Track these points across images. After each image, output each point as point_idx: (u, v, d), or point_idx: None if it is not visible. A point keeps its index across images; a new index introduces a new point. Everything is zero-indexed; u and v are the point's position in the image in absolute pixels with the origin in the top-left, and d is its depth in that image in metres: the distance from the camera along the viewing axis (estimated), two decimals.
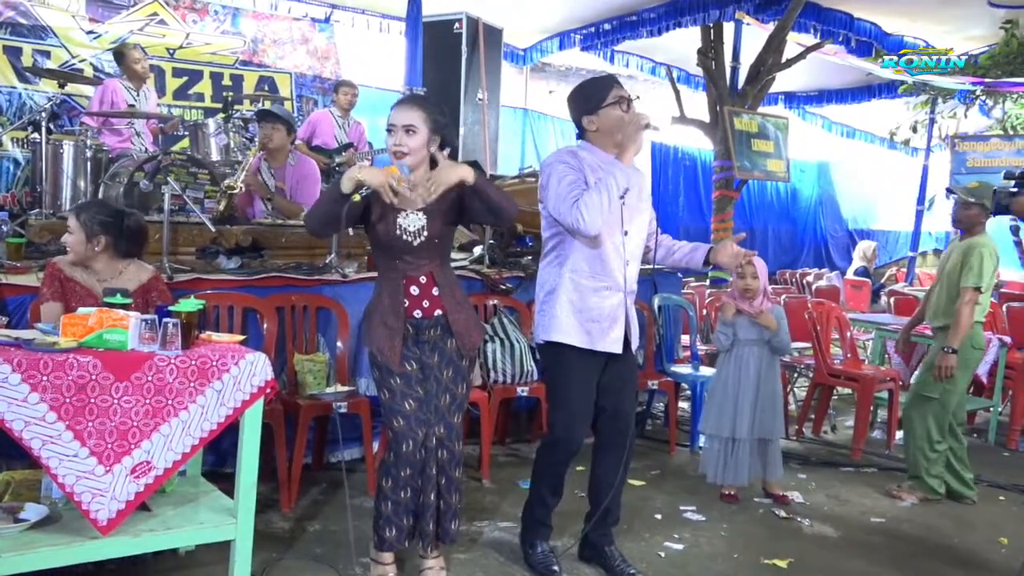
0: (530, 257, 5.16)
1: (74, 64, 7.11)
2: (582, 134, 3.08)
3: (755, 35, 8.74)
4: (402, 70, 7.47)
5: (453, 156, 2.96)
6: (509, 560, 3.26)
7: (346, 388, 3.91)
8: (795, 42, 8.90)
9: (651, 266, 3.30)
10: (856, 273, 9.94)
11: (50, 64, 6.88)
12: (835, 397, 5.83)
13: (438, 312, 2.94)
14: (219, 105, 6.03)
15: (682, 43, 9.19)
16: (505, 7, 8.06)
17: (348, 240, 4.52)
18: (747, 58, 8.85)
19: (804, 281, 10.27)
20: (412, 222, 2.89)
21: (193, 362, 2.59)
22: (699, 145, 12.39)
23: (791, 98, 12.24)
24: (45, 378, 2.39)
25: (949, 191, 4.53)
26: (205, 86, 7.85)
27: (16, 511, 2.55)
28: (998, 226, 4.47)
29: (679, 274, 5.82)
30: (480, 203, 2.83)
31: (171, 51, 7.73)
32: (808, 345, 5.62)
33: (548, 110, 11.50)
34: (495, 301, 4.62)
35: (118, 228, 3.13)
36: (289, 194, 5.01)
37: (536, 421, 4.81)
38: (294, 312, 3.98)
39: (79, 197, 4.64)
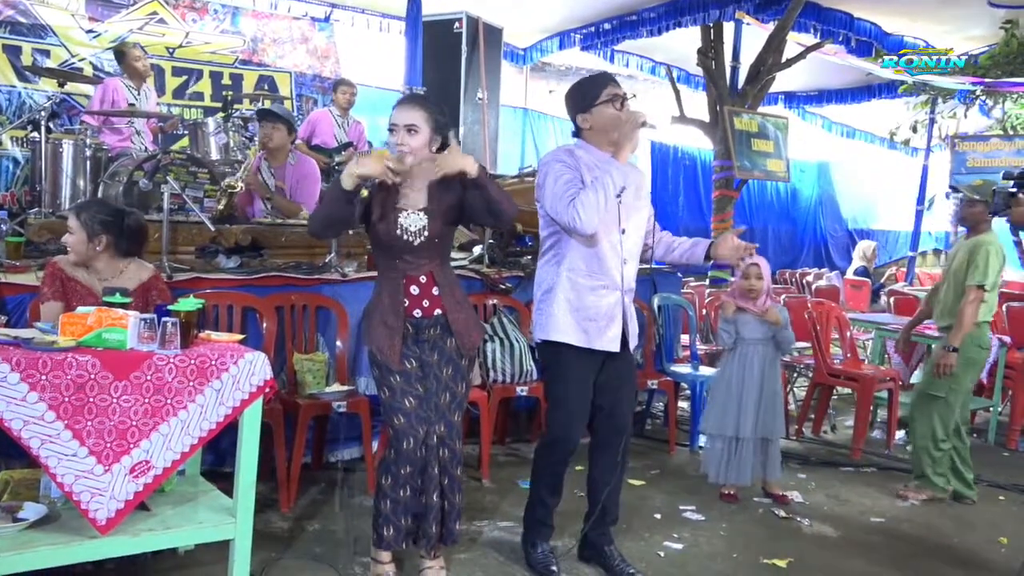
0: (530, 257, 5.16)
1: (74, 63, 7.10)
2: (578, 132, 3.08)
3: (755, 35, 8.74)
4: (402, 69, 7.47)
5: None
6: (509, 560, 3.26)
7: (345, 387, 3.91)
8: (795, 42, 8.90)
9: (650, 265, 3.30)
10: (856, 273, 9.93)
11: (50, 63, 6.88)
12: (835, 397, 5.83)
13: (438, 311, 2.94)
14: (219, 104, 6.02)
15: (682, 43, 9.18)
16: (505, 7, 8.05)
17: (348, 239, 4.52)
18: (747, 58, 8.85)
19: (804, 281, 10.27)
20: (413, 222, 2.90)
21: (192, 361, 2.59)
22: (699, 145, 12.39)
23: (791, 98, 12.23)
24: (44, 377, 2.38)
25: (954, 189, 4.52)
26: (205, 85, 7.84)
27: (15, 510, 2.54)
28: (999, 226, 4.47)
29: (679, 274, 5.82)
30: (481, 200, 2.83)
31: (171, 50, 7.72)
32: (808, 345, 5.61)
33: (548, 110, 11.49)
34: (495, 301, 4.62)
35: (119, 227, 3.12)
36: (289, 193, 5.01)
37: (536, 421, 4.81)
38: (293, 311, 3.98)
39: (78, 196, 4.63)
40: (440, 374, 2.94)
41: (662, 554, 3.43)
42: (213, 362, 2.62)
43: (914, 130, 11.80)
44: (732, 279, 5.26)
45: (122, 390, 2.48)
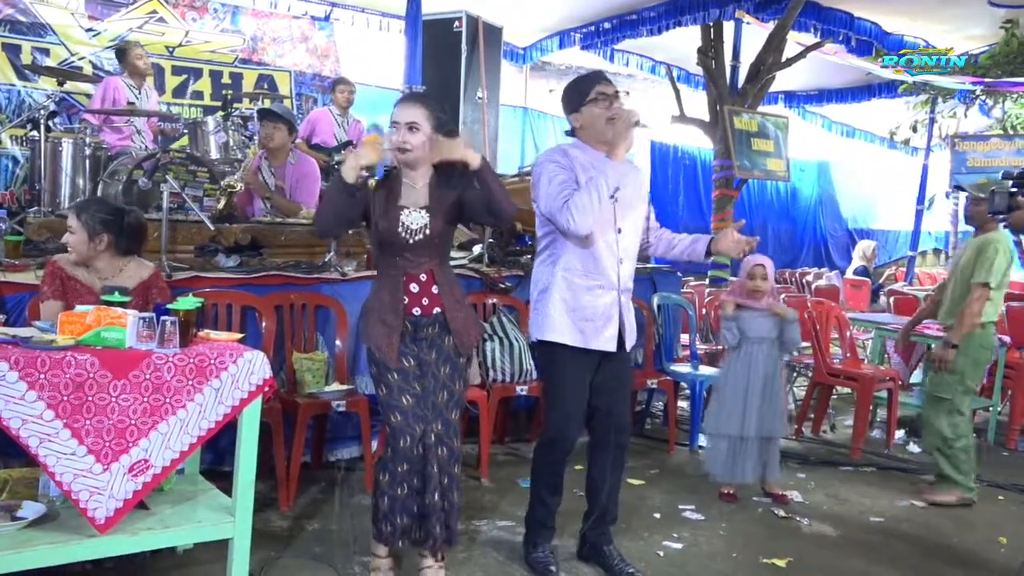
0: (529, 256, 5.15)
1: (73, 62, 7.11)
2: (573, 132, 3.08)
3: (755, 34, 8.74)
4: (401, 68, 7.45)
5: None
6: (508, 559, 3.26)
7: (345, 387, 3.91)
8: (795, 41, 8.90)
9: (649, 264, 3.30)
10: (856, 272, 9.93)
11: (49, 62, 6.88)
12: (834, 396, 5.83)
13: (437, 310, 2.94)
14: (218, 103, 6.03)
15: (682, 42, 9.18)
16: (505, 6, 8.04)
17: (347, 239, 4.52)
18: (747, 57, 8.85)
19: (804, 280, 10.27)
20: (414, 219, 2.90)
21: (191, 360, 2.58)
22: (699, 144, 12.39)
23: (791, 97, 12.23)
24: (43, 376, 2.38)
25: (959, 188, 4.50)
26: (204, 84, 7.85)
27: (13, 509, 2.54)
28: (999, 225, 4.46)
29: (678, 273, 5.82)
30: (481, 197, 2.83)
31: (170, 49, 7.73)
32: (807, 344, 5.61)
33: (548, 109, 11.49)
34: (494, 300, 4.62)
35: (119, 226, 3.11)
36: (289, 192, 5.01)
37: (535, 420, 4.81)
38: (293, 310, 3.98)
39: (78, 195, 4.63)
40: (438, 373, 2.94)
41: (661, 554, 3.43)
42: (212, 361, 2.61)
43: (914, 130, 11.82)
44: (732, 279, 5.25)
45: (121, 389, 2.48)
